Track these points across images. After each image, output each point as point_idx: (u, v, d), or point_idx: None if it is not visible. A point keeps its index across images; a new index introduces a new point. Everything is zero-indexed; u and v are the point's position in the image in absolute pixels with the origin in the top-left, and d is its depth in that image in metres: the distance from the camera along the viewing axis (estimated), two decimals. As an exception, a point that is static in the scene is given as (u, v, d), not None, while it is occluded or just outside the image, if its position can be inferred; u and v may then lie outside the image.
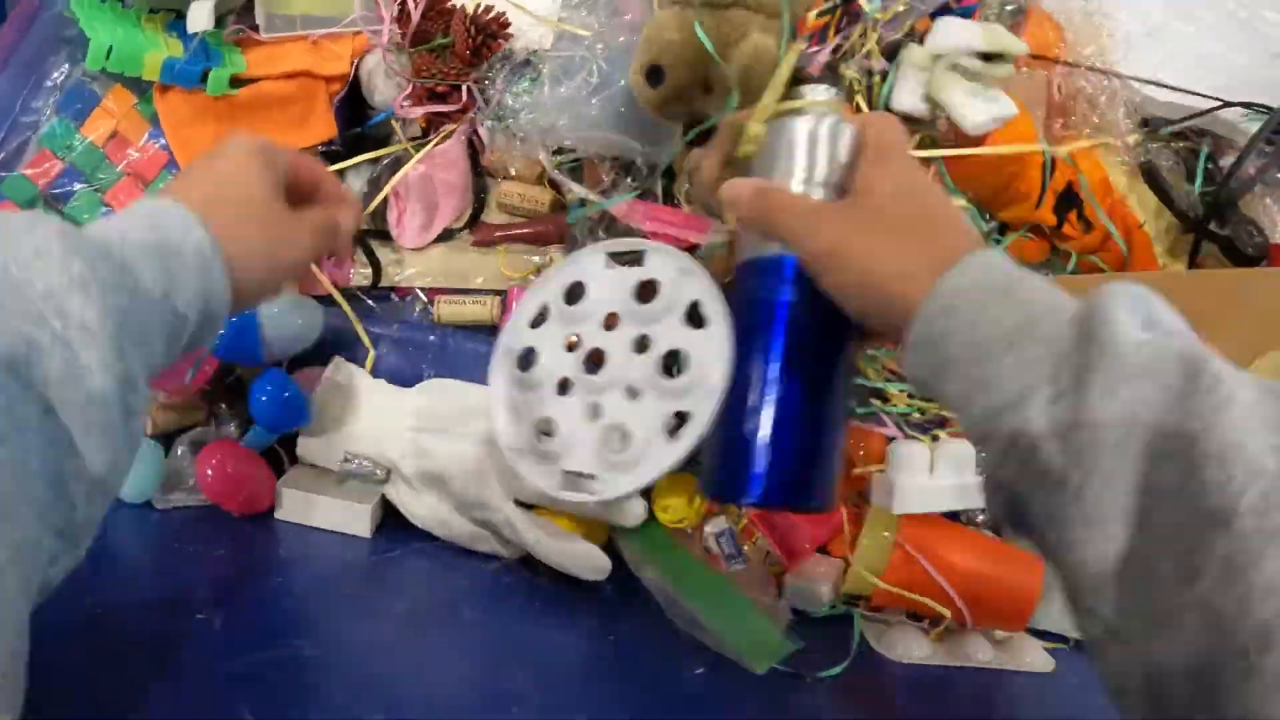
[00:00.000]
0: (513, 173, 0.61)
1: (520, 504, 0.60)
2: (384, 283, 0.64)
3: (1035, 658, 0.63)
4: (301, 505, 0.62)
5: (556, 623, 0.59)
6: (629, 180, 0.62)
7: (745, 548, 0.64)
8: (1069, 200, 0.71)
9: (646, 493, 0.62)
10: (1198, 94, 0.69)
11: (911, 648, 0.62)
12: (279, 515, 0.63)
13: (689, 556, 0.61)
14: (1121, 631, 0.30)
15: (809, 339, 0.43)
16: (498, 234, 0.61)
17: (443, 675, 0.51)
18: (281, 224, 0.45)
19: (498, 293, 0.63)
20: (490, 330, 0.64)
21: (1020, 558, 0.63)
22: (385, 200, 0.62)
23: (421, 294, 0.64)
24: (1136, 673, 0.29)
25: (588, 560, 0.59)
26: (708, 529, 0.62)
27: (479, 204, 0.61)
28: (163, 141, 0.66)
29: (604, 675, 0.55)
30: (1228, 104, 0.69)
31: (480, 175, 0.62)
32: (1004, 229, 0.72)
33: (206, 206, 0.41)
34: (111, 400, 0.34)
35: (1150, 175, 0.71)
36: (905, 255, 0.39)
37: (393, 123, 0.64)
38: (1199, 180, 0.72)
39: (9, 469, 0.30)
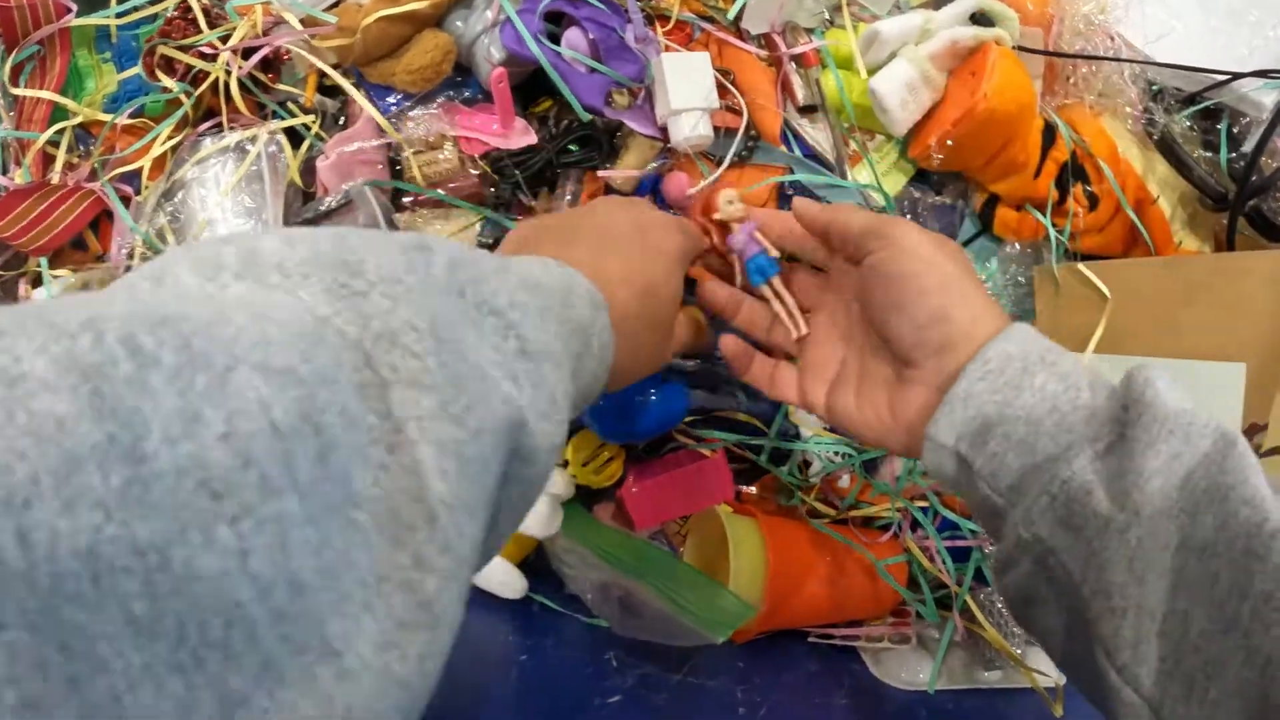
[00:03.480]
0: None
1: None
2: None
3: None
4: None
5: (473, 639, 0.51)
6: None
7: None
8: (1074, 172, 0.63)
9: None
10: (1204, 70, 0.61)
11: (916, 672, 0.55)
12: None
13: (631, 540, 0.53)
14: (1161, 703, 0.29)
15: None
16: (421, 199, 0.56)
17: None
18: (669, 328, 0.40)
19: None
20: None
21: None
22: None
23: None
24: None
25: (505, 581, 0.54)
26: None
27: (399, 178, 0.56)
28: None
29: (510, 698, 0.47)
30: (1239, 75, 0.61)
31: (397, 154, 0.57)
32: (995, 204, 0.64)
33: (610, 288, 0.34)
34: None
35: (1166, 146, 0.63)
36: (978, 301, 0.39)
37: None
38: (1224, 151, 0.63)
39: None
